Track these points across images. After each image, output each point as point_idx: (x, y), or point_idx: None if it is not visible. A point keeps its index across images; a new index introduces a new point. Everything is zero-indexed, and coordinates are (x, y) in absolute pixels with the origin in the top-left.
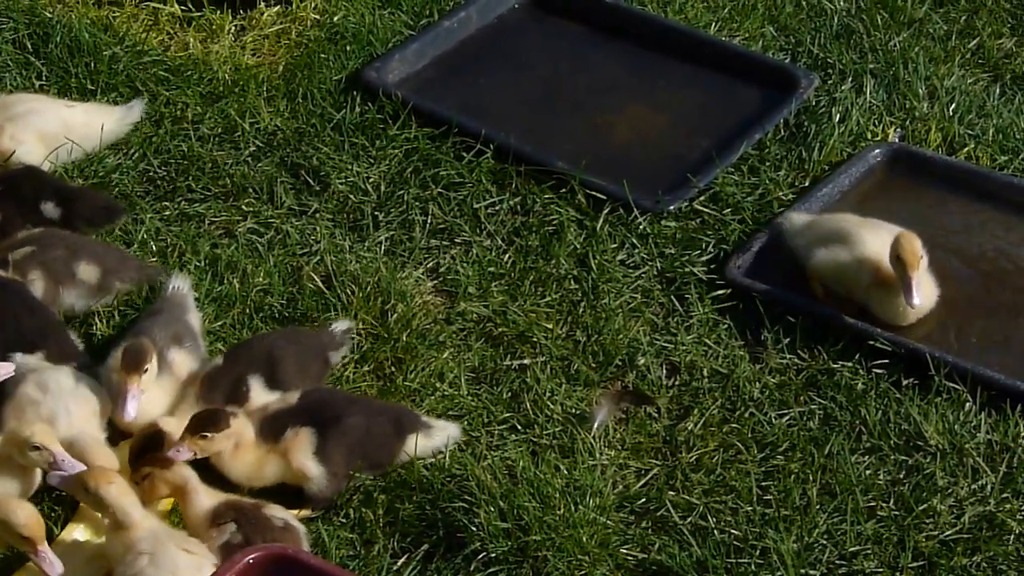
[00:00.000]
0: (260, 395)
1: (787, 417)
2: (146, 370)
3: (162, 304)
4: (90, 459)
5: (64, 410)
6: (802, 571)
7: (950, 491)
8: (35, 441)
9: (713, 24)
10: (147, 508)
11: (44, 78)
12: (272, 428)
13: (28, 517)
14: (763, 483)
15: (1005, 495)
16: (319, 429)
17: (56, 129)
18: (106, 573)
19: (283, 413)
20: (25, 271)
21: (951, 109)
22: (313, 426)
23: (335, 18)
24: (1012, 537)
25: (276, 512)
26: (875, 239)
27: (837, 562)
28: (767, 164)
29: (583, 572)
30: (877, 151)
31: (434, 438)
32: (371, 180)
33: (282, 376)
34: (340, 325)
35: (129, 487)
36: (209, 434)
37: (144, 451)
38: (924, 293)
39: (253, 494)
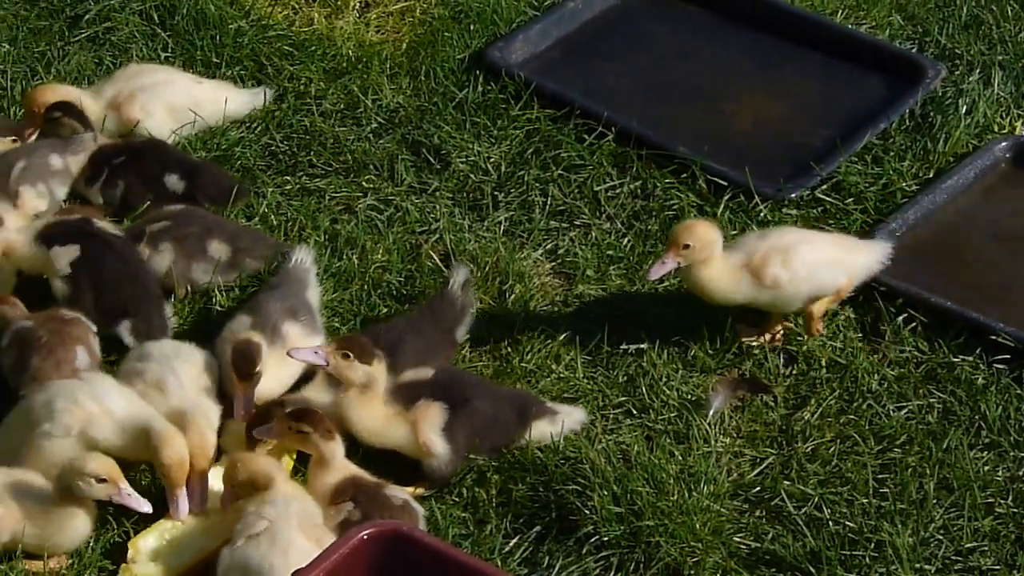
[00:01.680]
0: None
1: (905, 410)
2: (258, 373)
3: (282, 278)
4: (197, 433)
5: (172, 373)
6: (917, 566)
7: None
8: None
9: (839, 11)
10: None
11: (170, 50)
12: (405, 395)
13: (175, 452)
14: (879, 476)
15: None
16: (450, 407)
17: (184, 103)
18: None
19: (417, 384)
20: (157, 243)
21: None
22: (445, 402)
23: None
24: None
25: (396, 492)
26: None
27: (953, 558)
28: (891, 154)
29: (695, 559)
30: (1003, 144)
31: (558, 424)
32: (492, 160)
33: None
34: (459, 276)
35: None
36: (351, 356)
37: (261, 422)
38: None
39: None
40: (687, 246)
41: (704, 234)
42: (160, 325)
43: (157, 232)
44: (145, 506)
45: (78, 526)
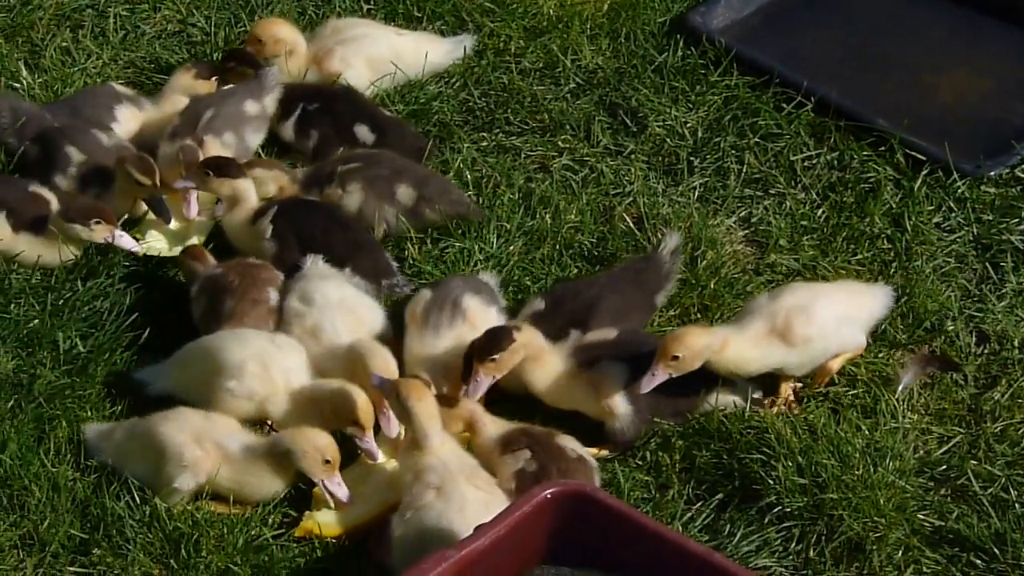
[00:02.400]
0: None
1: None
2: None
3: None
4: (369, 361)
5: (330, 323)
6: None
7: None
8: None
9: None
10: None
11: (372, 2)
12: (586, 356)
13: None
14: None
15: None
16: (632, 370)
17: (385, 55)
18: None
19: (600, 345)
20: (346, 183)
21: None
22: (628, 364)
23: None
24: None
25: (569, 443)
26: None
27: None
28: None
29: (878, 535)
30: None
31: (739, 392)
32: (688, 125)
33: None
34: (670, 242)
35: (437, 410)
36: (496, 356)
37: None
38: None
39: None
40: (676, 357)
41: (693, 343)
42: (385, 265)
43: (348, 172)
44: (347, 498)
45: (276, 483)
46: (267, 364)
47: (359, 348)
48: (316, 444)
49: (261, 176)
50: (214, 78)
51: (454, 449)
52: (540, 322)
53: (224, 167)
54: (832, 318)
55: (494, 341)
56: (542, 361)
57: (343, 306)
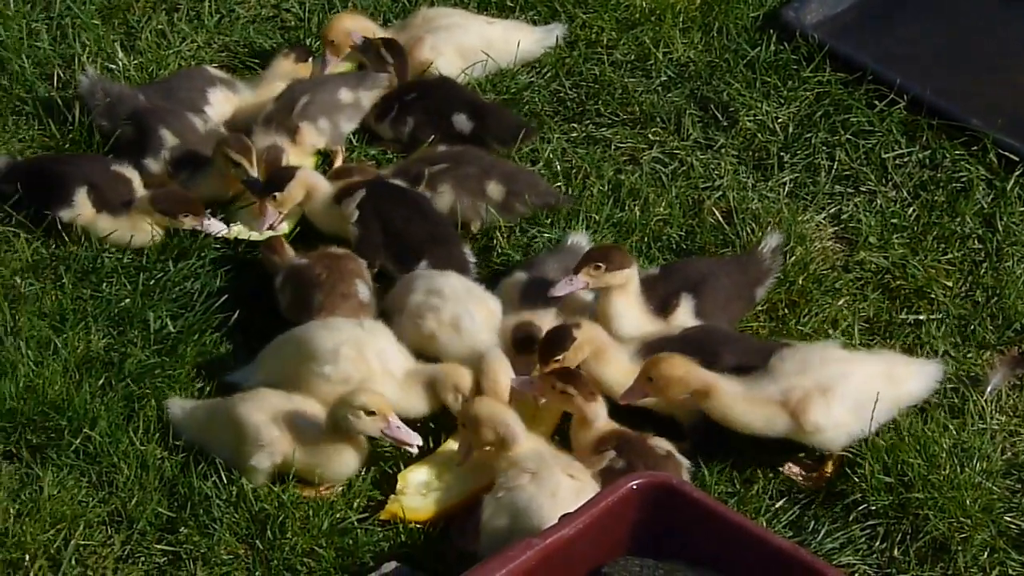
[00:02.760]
0: (683, 315)
1: None
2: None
3: (560, 249)
4: (491, 378)
5: (467, 313)
6: None
7: None
8: (369, 406)
9: None
10: (531, 428)
11: None
12: (654, 350)
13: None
14: None
15: None
16: (703, 363)
17: (475, 44)
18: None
19: (665, 340)
20: (436, 185)
21: None
22: (696, 357)
23: None
24: None
25: (659, 443)
26: None
27: None
28: None
29: (963, 535)
30: None
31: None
32: (779, 120)
33: (706, 306)
34: (771, 240)
35: (513, 412)
36: (560, 356)
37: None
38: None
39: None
40: (650, 379)
41: (666, 371)
42: (461, 261)
43: (436, 173)
44: (416, 439)
45: (347, 461)
46: (361, 348)
47: (482, 364)
48: (358, 403)
49: None
50: (310, 59)
51: (541, 442)
52: (653, 285)
53: (276, 180)
54: (852, 406)
55: (556, 341)
56: (607, 356)
57: (473, 296)
